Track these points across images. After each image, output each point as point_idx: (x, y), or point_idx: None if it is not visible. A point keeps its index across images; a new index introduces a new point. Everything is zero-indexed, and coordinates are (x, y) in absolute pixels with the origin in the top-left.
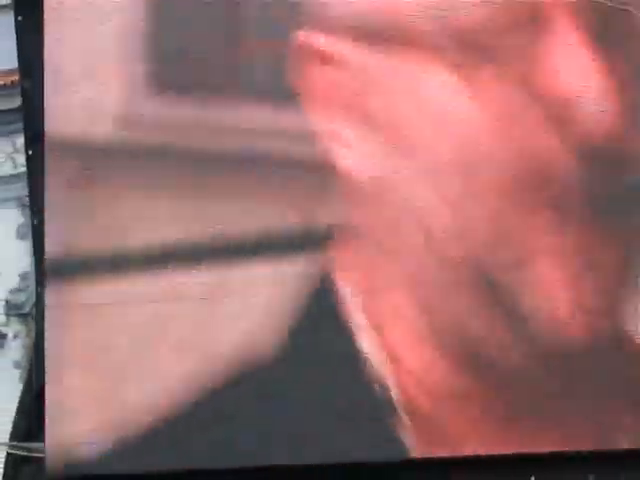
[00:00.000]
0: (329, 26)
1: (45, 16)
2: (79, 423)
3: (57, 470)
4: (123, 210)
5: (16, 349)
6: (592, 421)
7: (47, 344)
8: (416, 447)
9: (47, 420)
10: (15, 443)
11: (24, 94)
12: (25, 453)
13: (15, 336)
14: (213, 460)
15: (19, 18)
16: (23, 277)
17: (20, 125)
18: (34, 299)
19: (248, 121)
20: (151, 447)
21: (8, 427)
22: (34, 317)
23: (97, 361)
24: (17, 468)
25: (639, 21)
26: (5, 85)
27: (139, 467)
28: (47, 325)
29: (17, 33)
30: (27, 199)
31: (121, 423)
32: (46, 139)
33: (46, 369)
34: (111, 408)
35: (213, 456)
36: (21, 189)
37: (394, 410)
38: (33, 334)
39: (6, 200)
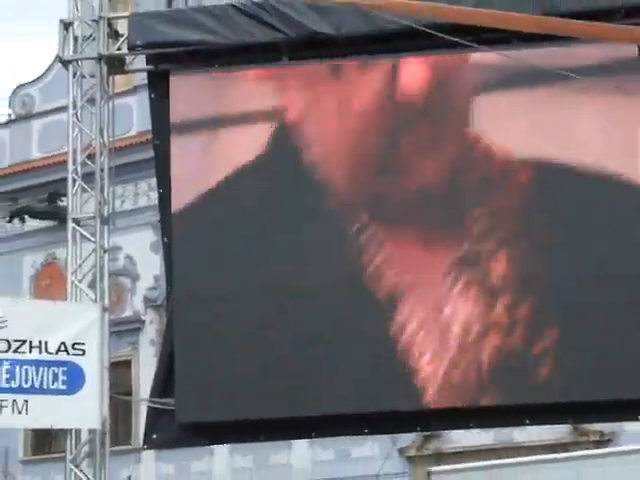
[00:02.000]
0: None
1: (170, 97)
2: (199, 384)
3: (184, 418)
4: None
5: (152, 331)
6: None
7: (175, 327)
8: None
9: (176, 382)
10: (153, 399)
11: (155, 149)
12: (161, 406)
13: (151, 322)
14: (316, 408)
15: (152, 95)
16: (156, 279)
17: (152, 170)
18: (165, 295)
19: None
20: (255, 399)
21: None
22: (165, 307)
23: (212, 338)
24: (155, 417)
25: None
26: (142, 142)
27: (246, 415)
28: (175, 313)
29: (150, 105)
30: (159, 223)
31: (231, 383)
32: (172, 182)
33: (175, 345)
34: (223, 372)
35: (317, 405)
36: (154, 216)
37: None
38: (164, 320)
39: (143, 224)
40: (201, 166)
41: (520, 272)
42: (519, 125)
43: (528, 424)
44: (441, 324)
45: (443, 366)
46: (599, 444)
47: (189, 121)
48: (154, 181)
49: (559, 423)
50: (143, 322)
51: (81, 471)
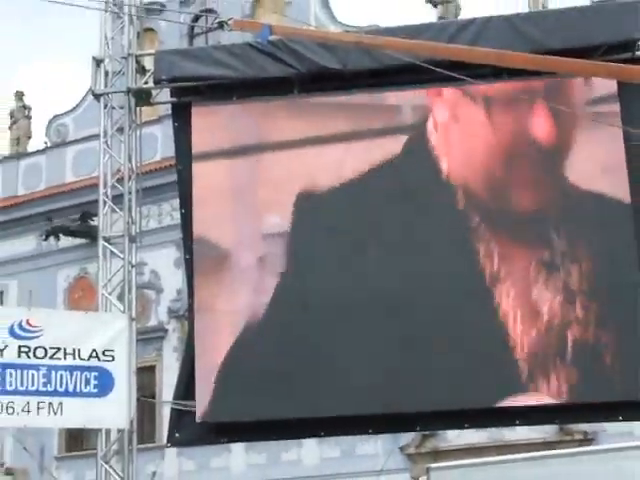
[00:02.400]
0: None
1: (192, 126)
2: (218, 387)
3: (204, 418)
4: None
5: (174, 339)
6: None
7: (195, 335)
8: None
9: (197, 385)
10: (176, 401)
11: (178, 173)
12: (183, 408)
13: (174, 330)
14: (325, 410)
15: (175, 124)
16: (178, 292)
17: (175, 193)
18: (186, 306)
19: None
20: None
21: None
22: (186, 317)
23: (230, 346)
24: (178, 417)
25: None
26: (165, 167)
27: (261, 416)
28: (195, 323)
29: (174, 133)
30: (181, 241)
31: (247, 387)
32: (194, 205)
33: (195, 352)
34: (240, 377)
35: (325, 407)
36: (176, 235)
37: None
38: (186, 329)
39: (167, 242)
40: (225, 187)
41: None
42: None
43: (518, 424)
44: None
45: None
46: (583, 442)
47: (210, 148)
48: (177, 202)
49: (547, 423)
50: (166, 331)
51: (111, 467)
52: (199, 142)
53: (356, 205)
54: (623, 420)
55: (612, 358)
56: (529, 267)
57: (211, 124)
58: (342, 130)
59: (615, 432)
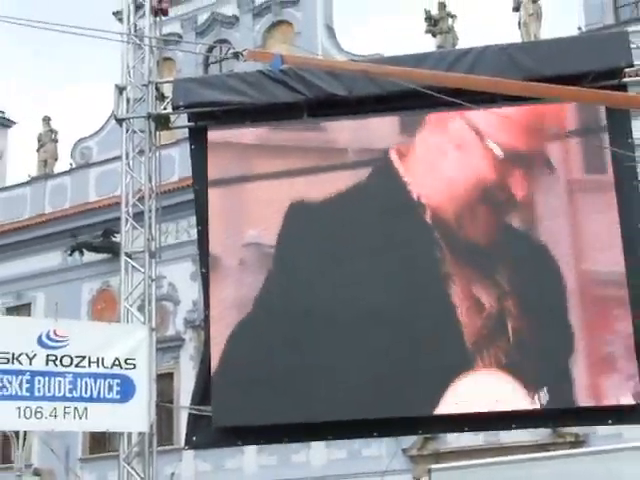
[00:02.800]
0: None
1: (208, 149)
2: (232, 393)
3: (219, 423)
4: None
5: (191, 348)
6: None
7: (212, 344)
8: None
9: (212, 392)
10: (193, 406)
11: (195, 193)
12: (199, 412)
13: (190, 339)
14: (332, 415)
15: (192, 147)
16: (195, 303)
17: (191, 211)
18: (202, 316)
19: None
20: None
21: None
22: (202, 328)
23: (244, 354)
24: (194, 422)
25: None
26: (183, 187)
27: (272, 420)
28: (211, 332)
29: (191, 155)
30: (197, 256)
31: (259, 393)
32: (210, 223)
33: (212, 360)
34: (253, 384)
35: (333, 411)
36: (193, 250)
37: None
38: (202, 338)
39: (184, 257)
40: (237, 209)
41: None
42: None
43: (514, 428)
44: None
45: None
46: (575, 444)
47: (226, 170)
48: (193, 220)
49: (541, 427)
50: (183, 340)
51: (132, 468)
52: (215, 164)
53: (338, 220)
54: (612, 424)
55: None
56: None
57: (226, 147)
58: (319, 164)
59: (605, 434)
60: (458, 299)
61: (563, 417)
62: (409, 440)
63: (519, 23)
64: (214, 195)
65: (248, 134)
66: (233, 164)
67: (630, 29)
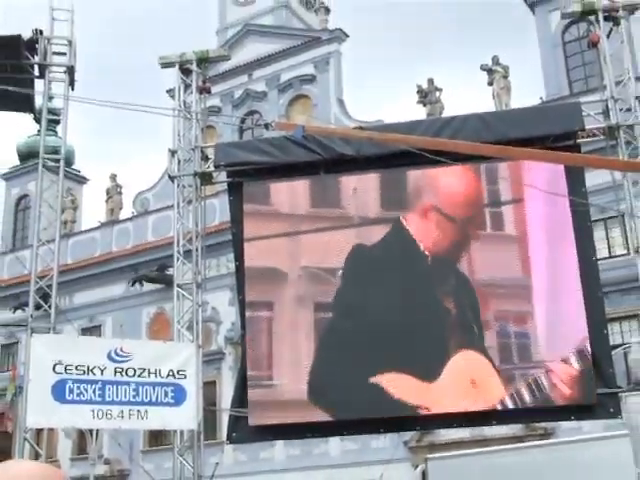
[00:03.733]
0: None
1: (244, 198)
2: (264, 398)
3: (254, 422)
4: None
5: (230, 360)
6: None
7: (247, 358)
8: None
9: (248, 396)
10: (233, 409)
11: (233, 235)
12: (237, 414)
13: (229, 353)
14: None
15: (230, 198)
16: (232, 324)
17: (230, 249)
18: (239, 335)
19: None
20: (302, 410)
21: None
22: (239, 344)
23: (273, 366)
24: (234, 421)
25: None
26: (222, 230)
27: (296, 420)
28: (247, 348)
29: (229, 204)
30: (234, 286)
31: (286, 398)
32: (245, 265)
33: (248, 371)
34: (280, 390)
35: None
36: (230, 280)
37: None
38: (239, 352)
39: (223, 286)
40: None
41: None
42: None
43: (494, 424)
44: None
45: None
46: (544, 436)
47: (262, 216)
48: (231, 256)
49: (516, 423)
50: (224, 354)
51: (184, 459)
52: (249, 211)
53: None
54: (574, 420)
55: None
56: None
57: (259, 197)
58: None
59: (568, 428)
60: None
61: (534, 415)
62: (409, 434)
63: (493, 95)
64: (248, 245)
65: (275, 207)
66: (261, 230)
67: (582, 100)
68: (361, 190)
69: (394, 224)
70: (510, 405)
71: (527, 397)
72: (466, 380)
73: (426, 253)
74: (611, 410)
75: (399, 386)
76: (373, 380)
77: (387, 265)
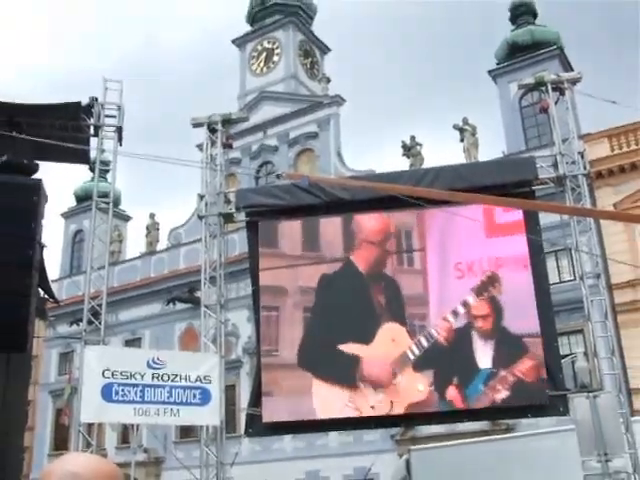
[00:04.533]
0: None
1: (259, 234)
2: (276, 400)
3: (267, 419)
4: None
5: (247, 368)
6: None
7: (262, 365)
8: None
9: (263, 398)
10: (250, 408)
11: (250, 264)
12: (253, 412)
13: (246, 362)
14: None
15: (248, 233)
16: (249, 337)
17: (247, 275)
18: (254, 347)
19: None
20: (307, 409)
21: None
22: (255, 354)
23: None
24: (250, 419)
25: None
26: (241, 259)
27: (302, 418)
28: (261, 357)
29: (248, 239)
30: (251, 306)
31: (294, 400)
32: (260, 284)
33: (262, 377)
34: (290, 394)
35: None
36: (247, 301)
37: None
38: (254, 362)
39: (242, 306)
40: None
41: None
42: None
43: (465, 421)
44: None
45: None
46: (507, 431)
47: (272, 255)
48: (248, 281)
49: (483, 420)
50: (242, 362)
51: (209, 449)
52: (264, 244)
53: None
54: (531, 417)
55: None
56: None
57: (271, 234)
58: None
59: (526, 424)
60: None
61: (502, 413)
62: (395, 430)
63: (463, 149)
64: (262, 273)
65: (280, 250)
66: (271, 264)
67: (536, 154)
68: (332, 234)
69: (347, 260)
70: (416, 351)
71: (425, 343)
72: (390, 339)
73: (363, 270)
74: (561, 409)
75: (351, 349)
76: (339, 347)
77: (342, 283)
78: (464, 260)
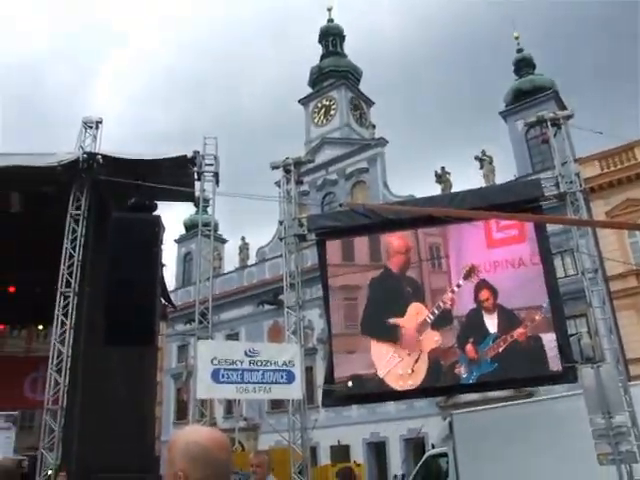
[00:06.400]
0: None
1: (327, 250)
2: (346, 378)
3: (339, 393)
4: None
5: (321, 353)
6: None
7: (333, 352)
8: None
9: (335, 377)
10: (325, 384)
11: (320, 273)
12: (327, 388)
13: (320, 349)
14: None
15: (318, 249)
16: (322, 330)
17: (319, 282)
18: (327, 336)
19: None
20: (371, 384)
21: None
22: (327, 343)
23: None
24: (325, 393)
25: None
26: (314, 269)
27: (367, 391)
28: (333, 346)
29: (318, 253)
30: (322, 305)
31: (359, 376)
32: (329, 285)
33: (333, 360)
34: (356, 372)
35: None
36: (319, 302)
37: None
38: (327, 348)
39: (315, 306)
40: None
41: None
42: None
43: (496, 390)
44: None
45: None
46: (528, 396)
47: (336, 261)
48: (319, 286)
49: (511, 389)
50: (316, 349)
51: (295, 416)
52: (331, 258)
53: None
54: (550, 384)
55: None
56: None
57: (335, 250)
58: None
59: (543, 390)
60: None
61: (527, 381)
62: (439, 398)
63: (483, 175)
64: (332, 280)
65: (343, 261)
66: (337, 272)
67: (541, 176)
68: (381, 249)
69: (385, 266)
70: (432, 317)
71: (436, 312)
72: (415, 313)
73: (396, 272)
74: (571, 377)
75: (393, 320)
76: (389, 321)
77: (384, 281)
78: (471, 262)
